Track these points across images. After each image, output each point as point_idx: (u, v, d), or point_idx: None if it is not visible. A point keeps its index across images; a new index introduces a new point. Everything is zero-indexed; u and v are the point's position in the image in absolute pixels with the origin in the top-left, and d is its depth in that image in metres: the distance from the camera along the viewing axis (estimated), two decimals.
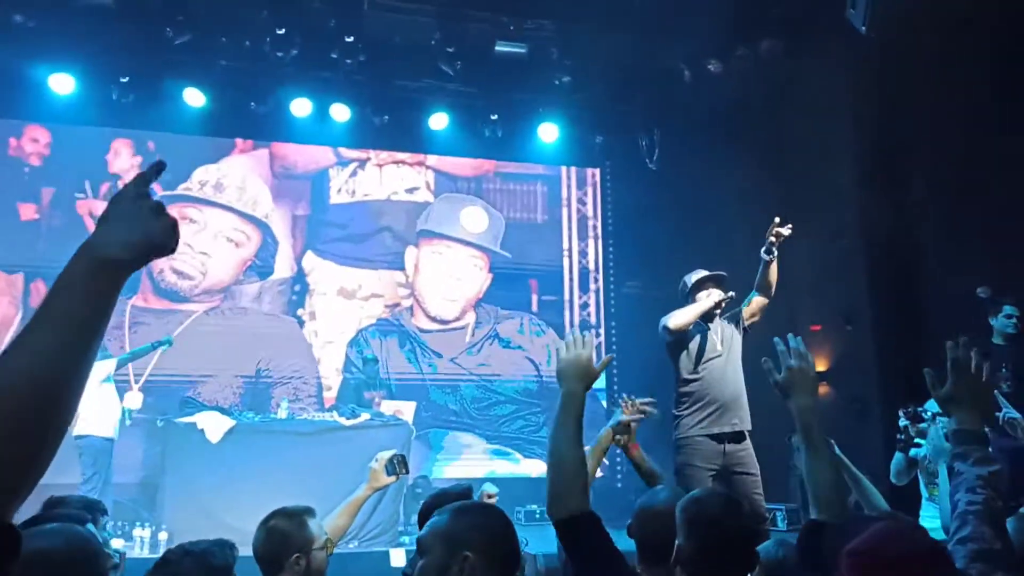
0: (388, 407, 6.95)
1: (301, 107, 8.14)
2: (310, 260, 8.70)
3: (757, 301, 3.98)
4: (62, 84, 7.61)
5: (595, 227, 9.57)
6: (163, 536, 5.27)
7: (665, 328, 3.89)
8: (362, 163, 9.04)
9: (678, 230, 7.87)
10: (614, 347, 9.21)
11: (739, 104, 7.10)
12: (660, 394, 7.94)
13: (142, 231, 0.79)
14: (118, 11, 6.78)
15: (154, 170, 0.88)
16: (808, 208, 5.95)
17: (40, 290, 7.93)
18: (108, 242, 0.77)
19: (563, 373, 1.87)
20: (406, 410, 6.93)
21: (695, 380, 3.87)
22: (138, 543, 5.29)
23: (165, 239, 0.82)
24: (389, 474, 2.44)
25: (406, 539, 6.16)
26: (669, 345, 3.98)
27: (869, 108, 5.83)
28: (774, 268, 3.85)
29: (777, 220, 3.75)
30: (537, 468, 8.57)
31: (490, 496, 2.65)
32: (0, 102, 7.89)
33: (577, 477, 1.67)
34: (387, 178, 9.10)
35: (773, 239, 3.74)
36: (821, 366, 7.76)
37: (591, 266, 9.48)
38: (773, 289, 3.91)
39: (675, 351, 3.95)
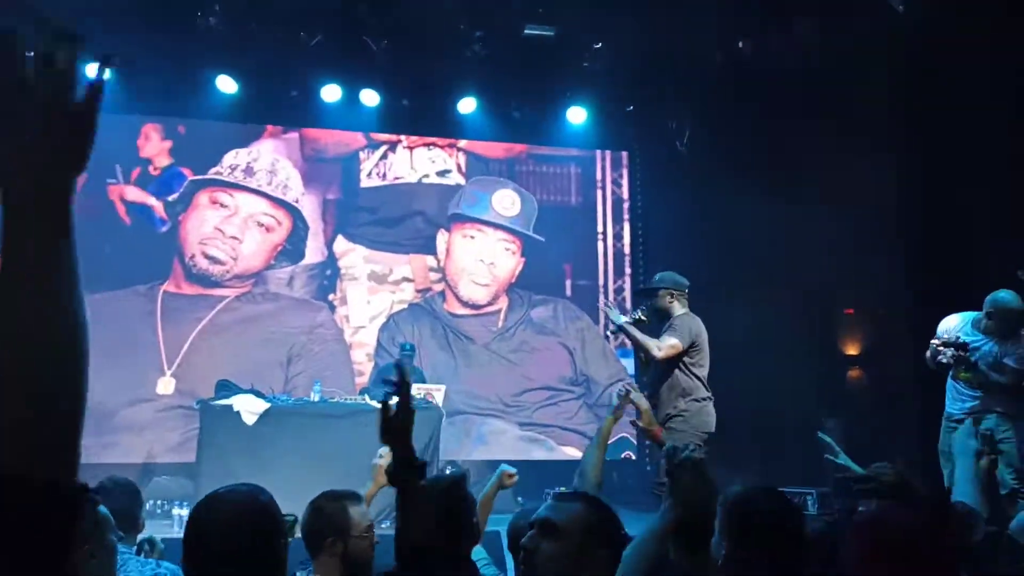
0: (418, 391, 7.16)
1: (331, 93, 8.42)
2: (341, 244, 8.95)
3: None
4: (93, 71, 7.91)
5: (630, 210, 9.66)
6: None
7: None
8: (393, 146, 9.23)
9: (707, 214, 7.95)
10: (644, 332, 9.30)
11: (772, 85, 7.13)
12: None
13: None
14: None
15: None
16: (842, 189, 5.98)
17: None
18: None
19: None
20: (436, 394, 7.13)
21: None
22: (176, 522, 5.61)
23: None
24: None
25: None
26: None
27: (905, 86, 5.84)
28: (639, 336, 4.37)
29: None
30: (572, 454, 8.76)
31: (511, 477, 2.77)
32: None
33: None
34: (418, 161, 9.29)
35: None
36: (853, 350, 7.80)
37: (626, 250, 9.58)
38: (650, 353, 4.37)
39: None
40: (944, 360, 4.45)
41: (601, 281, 9.49)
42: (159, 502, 6.74)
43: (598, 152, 9.70)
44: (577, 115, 8.97)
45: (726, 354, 8.07)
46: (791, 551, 1.64)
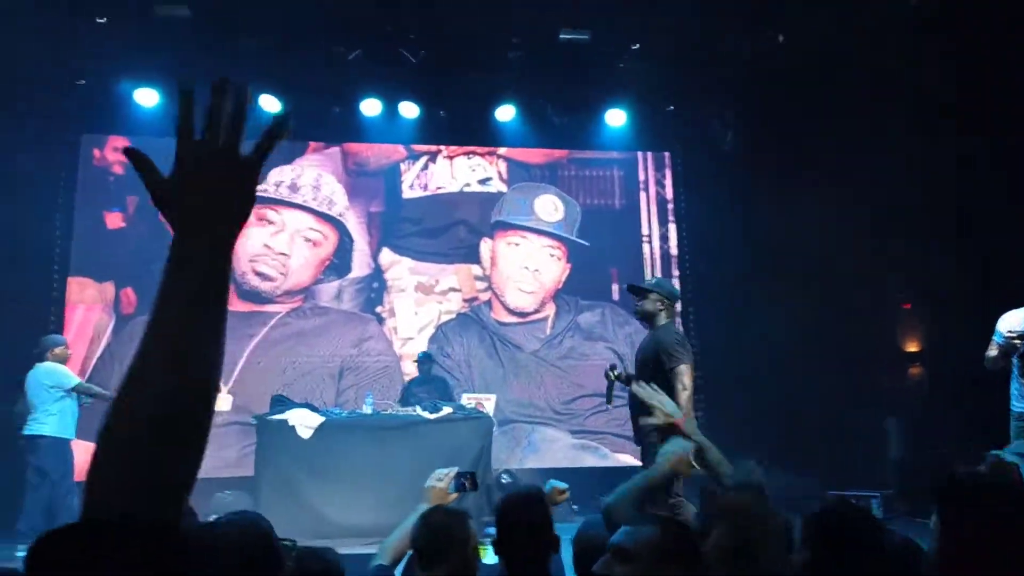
0: (469, 400, 7.22)
1: (371, 107, 8.63)
2: (386, 256, 9.07)
3: None
4: (147, 97, 8.25)
5: (674, 211, 9.58)
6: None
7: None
8: (433, 156, 9.34)
9: (754, 211, 7.85)
10: (692, 334, 9.23)
11: (816, 76, 7.02)
12: (746, 377, 7.99)
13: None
14: (194, 22, 7.27)
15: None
16: (893, 181, 5.85)
17: (130, 297, 8.60)
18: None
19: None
20: (487, 403, 7.19)
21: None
22: None
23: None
24: (455, 491, 2.56)
25: (492, 531, 6.42)
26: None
27: (946, 78, 5.69)
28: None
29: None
30: (626, 461, 8.71)
31: (561, 493, 2.75)
32: (86, 118, 8.58)
33: None
34: (459, 170, 9.38)
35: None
36: (913, 346, 7.59)
37: (673, 251, 9.50)
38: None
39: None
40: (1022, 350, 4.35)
41: None
42: (222, 516, 6.91)
43: (640, 153, 9.66)
44: (616, 117, 8.99)
45: (779, 356, 7.98)
46: (873, 565, 1.68)
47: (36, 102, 7.75)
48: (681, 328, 4.41)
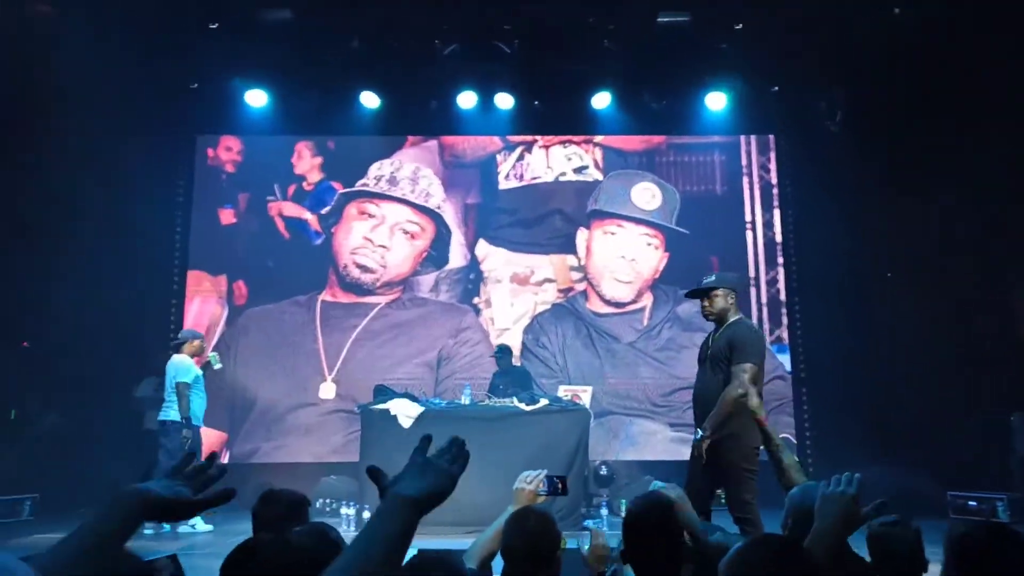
0: (565, 392, 7.23)
1: (467, 100, 8.75)
2: (483, 248, 9.19)
3: None
4: (256, 98, 8.67)
5: (779, 196, 9.24)
6: (366, 515, 5.91)
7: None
8: (529, 146, 9.37)
9: (864, 197, 7.46)
10: (798, 326, 8.90)
11: (928, 55, 6.58)
12: (855, 372, 7.66)
13: (431, 484, 1.21)
14: (297, 23, 7.55)
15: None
16: (1010, 165, 5.44)
17: (241, 289, 9.06)
18: (409, 487, 1.19)
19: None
20: (583, 395, 7.17)
21: None
22: (344, 521, 5.99)
23: (446, 488, 1.23)
24: (546, 494, 2.55)
25: (589, 523, 6.42)
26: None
27: None
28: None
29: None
30: None
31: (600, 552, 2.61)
32: (199, 119, 9.09)
33: None
34: (555, 159, 9.37)
35: None
36: None
37: (778, 238, 9.19)
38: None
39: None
40: None
41: (752, 273, 9.15)
42: (328, 501, 7.23)
43: (742, 137, 9.37)
44: (717, 100, 8.74)
45: (892, 349, 7.60)
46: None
47: (154, 106, 8.25)
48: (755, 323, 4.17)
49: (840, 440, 7.39)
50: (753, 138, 9.36)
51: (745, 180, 9.34)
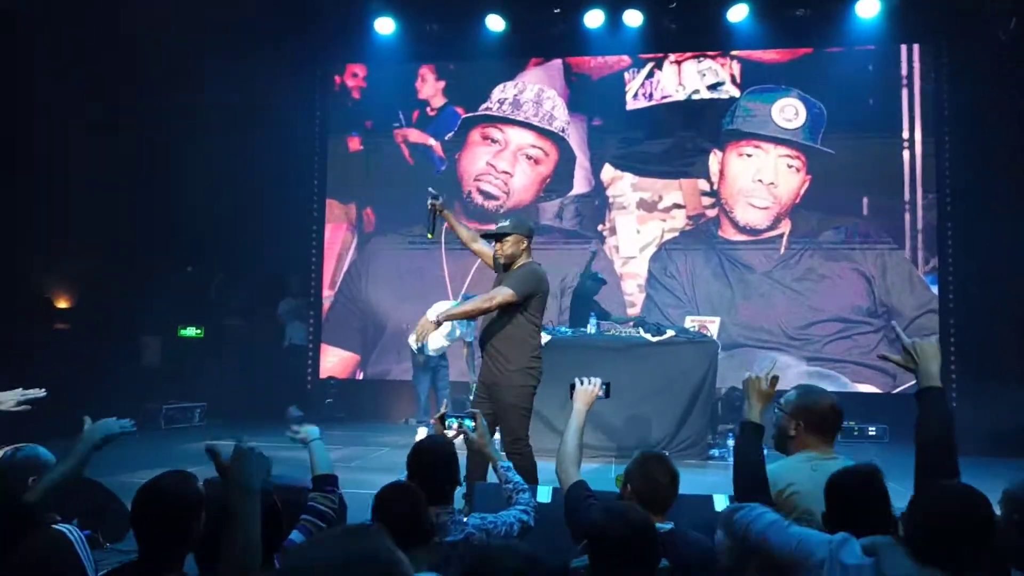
0: (692, 323, 7.17)
1: (594, 18, 8.58)
2: (608, 172, 9.10)
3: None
4: (384, 26, 8.90)
5: (940, 113, 8.54)
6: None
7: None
8: (659, 63, 9.08)
9: None
10: (951, 257, 8.35)
11: None
12: (1008, 305, 7.21)
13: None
14: None
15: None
16: None
17: (370, 217, 9.46)
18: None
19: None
20: (711, 326, 7.09)
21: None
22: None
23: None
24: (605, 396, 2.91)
25: (715, 452, 6.47)
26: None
27: None
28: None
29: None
30: (868, 390, 8.27)
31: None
32: (329, 47, 9.39)
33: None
34: (687, 76, 9.05)
35: None
36: None
37: (934, 161, 8.54)
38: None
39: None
40: None
41: (907, 197, 8.59)
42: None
43: (903, 47, 8.67)
44: (869, 7, 8.13)
45: None
46: None
47: (287, 37, 8.64)
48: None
49: (995, 377, 7.05)
50: (914, 48, 8.65)
51: (903, 94, 8.68)
